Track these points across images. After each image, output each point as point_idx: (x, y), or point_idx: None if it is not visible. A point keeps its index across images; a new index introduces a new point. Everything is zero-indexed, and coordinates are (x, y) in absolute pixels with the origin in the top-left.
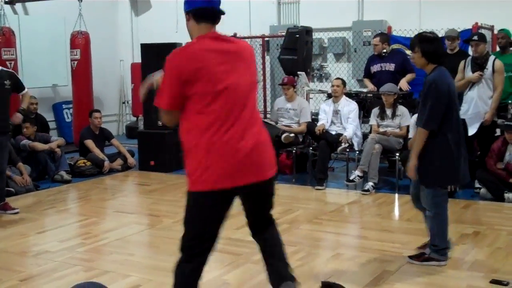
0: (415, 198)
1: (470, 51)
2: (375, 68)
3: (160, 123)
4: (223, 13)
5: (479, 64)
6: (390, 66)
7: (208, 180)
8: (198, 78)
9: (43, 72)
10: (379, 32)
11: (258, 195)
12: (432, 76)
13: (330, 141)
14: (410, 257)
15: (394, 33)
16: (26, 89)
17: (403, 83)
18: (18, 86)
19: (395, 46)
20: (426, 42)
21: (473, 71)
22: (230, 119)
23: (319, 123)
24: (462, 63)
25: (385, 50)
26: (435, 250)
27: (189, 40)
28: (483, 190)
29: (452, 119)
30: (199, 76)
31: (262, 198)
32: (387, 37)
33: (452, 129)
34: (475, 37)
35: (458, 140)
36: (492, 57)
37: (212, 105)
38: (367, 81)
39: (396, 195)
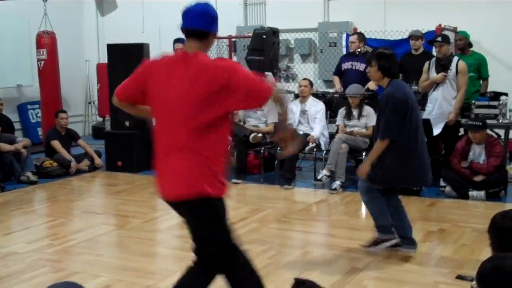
0: None
1: (434, 52)
2: (346, 65)
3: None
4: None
5: (443, 65)
6: (361, 66)
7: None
8: None
9: (8, 72)
10: (357, 31)
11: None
12: (389, 89)
13: None
14: (365, 246)
15: None
16: None
17: (372, 83)
18: None
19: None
20: (384, 58)
21: (437, 72)
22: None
23: None
24: (426, 64)
25: (359, 49)
26: (382, 230)
27: (155, 40)
28: (448, 188)
29: (409, 127)
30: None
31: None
32: (364, 37)
33: (407, 136)
34: (439, 38)
35: (414, 146)
36: (455, 58)
37: None
38: (336, 80)
39: None
